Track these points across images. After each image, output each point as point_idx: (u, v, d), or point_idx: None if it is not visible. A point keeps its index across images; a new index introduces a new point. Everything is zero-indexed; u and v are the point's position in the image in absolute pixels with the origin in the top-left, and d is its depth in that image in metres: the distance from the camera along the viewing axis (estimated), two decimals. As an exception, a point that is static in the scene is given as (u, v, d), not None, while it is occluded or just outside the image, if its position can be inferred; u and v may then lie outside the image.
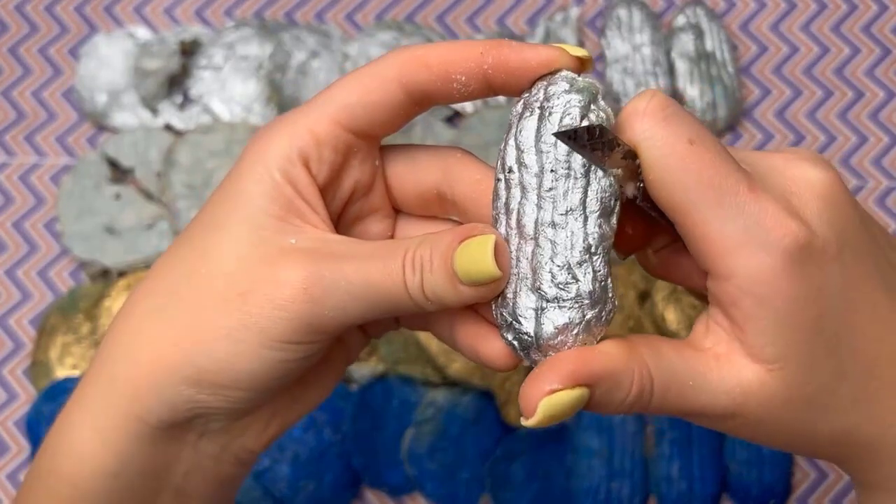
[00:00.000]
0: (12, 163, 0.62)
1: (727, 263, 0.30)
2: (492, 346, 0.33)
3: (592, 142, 0.30)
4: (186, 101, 0.62)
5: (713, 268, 0.30)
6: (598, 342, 0.31)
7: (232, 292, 0.32)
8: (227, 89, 0.62)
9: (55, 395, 0.56)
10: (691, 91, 0.61)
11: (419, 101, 0.33)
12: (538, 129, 0.30)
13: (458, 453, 0.54)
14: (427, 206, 0.35)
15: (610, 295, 0.31)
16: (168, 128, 0.62)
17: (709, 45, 0.62)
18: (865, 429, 0.32)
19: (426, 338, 0.55)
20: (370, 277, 0.31)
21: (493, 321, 0.32)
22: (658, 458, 0.54)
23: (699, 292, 0.34)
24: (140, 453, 0.33)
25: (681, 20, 0.63)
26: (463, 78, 0.32)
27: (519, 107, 0.31)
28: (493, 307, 0.32)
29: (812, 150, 0.33)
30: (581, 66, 0.32)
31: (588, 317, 0.30)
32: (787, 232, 0.30)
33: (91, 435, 0.33)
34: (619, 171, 0.31)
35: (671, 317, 0.55)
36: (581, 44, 0.64)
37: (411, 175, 0.35)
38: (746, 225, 0.30)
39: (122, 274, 0.59)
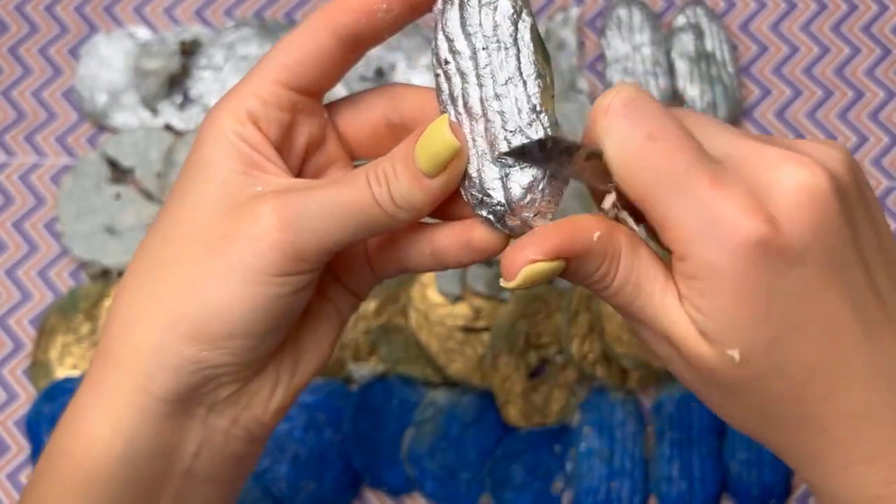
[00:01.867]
0: (12, 163, 0.62)
1: (684, 248, 0.31)
2: (483, 231, 0.34)
3: (546, 153, 0.32)
4: (186, 101, 0.62)
5: (672, 248, 0.32)
6: (562, 192, 0.33)
7: (211, 240, 0.33)
8: (227, 89, 0.62)
9: (55, 395, 0.56)
10: (691, 91, 0.61)
11: (351, 46, 0.34)
12: (461, 16, 0.33)
13: (458, 453, 0.54)
14: (380, 142, 0.36)
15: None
16: (168, 128, 0.62)
17: (709, 45, 0.62)
18: (799, 407, 0.32)
19: (426, 338, 0.55)
20: (339, 197, 0.33)
21: (468, 216, 0.34)
22: (658, 458, 0.54)
23: None
24: (148, 431, 0.34)
25: (681, 20, 0.63)
26: (385, 5, 0.34)
27: (439, 4, 0.34)
28: (463, 192, 0.34)
29: (824, 147, 0.33)
30: None
31: (549, 171, 0.33)
32: (742, 231, 0.30)
33: (100, 416, 0.34)
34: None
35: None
36: (581, 44, 0.64)
37: (358, 114, 0.36)
38: (703, 219, 0.30)
39: (122, 274, 0.59)
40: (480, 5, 0.33)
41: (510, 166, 0.33)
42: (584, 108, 0.61)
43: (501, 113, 0.33)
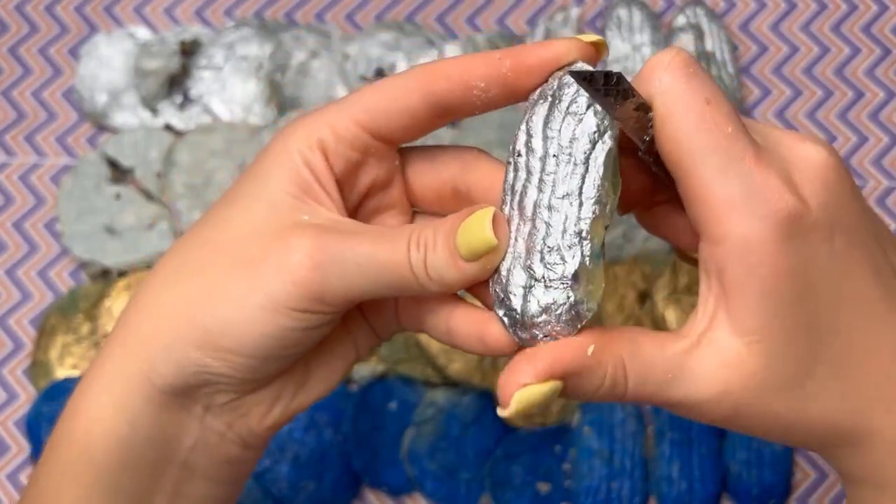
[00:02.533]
0: (12, 163, 0.62)
1: (721, 227, 0.31)
2: (496, 330, 0.33)
3: (607, 87, 0.31)
4: (186, 101, 0.62)
5: (707, 230, 0.31)
6: (581, 326, 0.32)
7: (242, 258, 0.33)
8: (227, 89, 0.62)
9: (55, 395, 0.56)
10: (691, 91, 0.61)
11: (440, 113, 0.34)
12: (547, 116, 0.32)
13: (458, 453, 0.54)
14: (443, 203, 0.36)
15: (597, 281, 0.32)
16: (168, 128, 0.62)
17: (709, 45, 0.62)
18: (844, 417, 0.33)
19: (426, 338, 0.55)
20: (375, 252, 0.32)
21: (491, 305, 0.34)
22: (658, 458, 0.54)
23: (686, 254, 0.35)
24: (148, 417, 0.34)
25: (681, 20, 0.63)
26: (482, 84, 0.33)
27: (535, 94, 0.33)
28: (490, 283, 0.33)
29: (815, 137, 0.34)
30: (596, 51, 0.33)
31: (573, 300, 0.32)
32: (784, 205, 0.30)
33: (103, 398, 0.34)
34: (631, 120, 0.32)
35: (671, 317, 0.55)
36: (581, 44, 0.64)
37: (429, 170, 0.36)
38: (746, 192, 0.30)
39: (122, 274, 0.59)
40: (566, 112, 0.32)
41: (537, 280, 0.32)
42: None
43: (548, 225, 0.32)
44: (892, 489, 0.33)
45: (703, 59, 0.61)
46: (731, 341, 0.31)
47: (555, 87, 0.32)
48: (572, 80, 0.32)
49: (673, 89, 0.31)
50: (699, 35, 0.62)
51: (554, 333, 0.32)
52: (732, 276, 0.31)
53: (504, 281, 0.32)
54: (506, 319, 0.33)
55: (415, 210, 0.37)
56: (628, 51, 0.62)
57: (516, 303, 0.32)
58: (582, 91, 0.32)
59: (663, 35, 0.63)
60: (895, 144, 0.61)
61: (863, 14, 0.64)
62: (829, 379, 0.32)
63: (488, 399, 0.56)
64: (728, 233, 0.31)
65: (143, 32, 0.64)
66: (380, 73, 0.62)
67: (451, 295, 0.34)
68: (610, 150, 0.32)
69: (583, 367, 0.31)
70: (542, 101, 0.32)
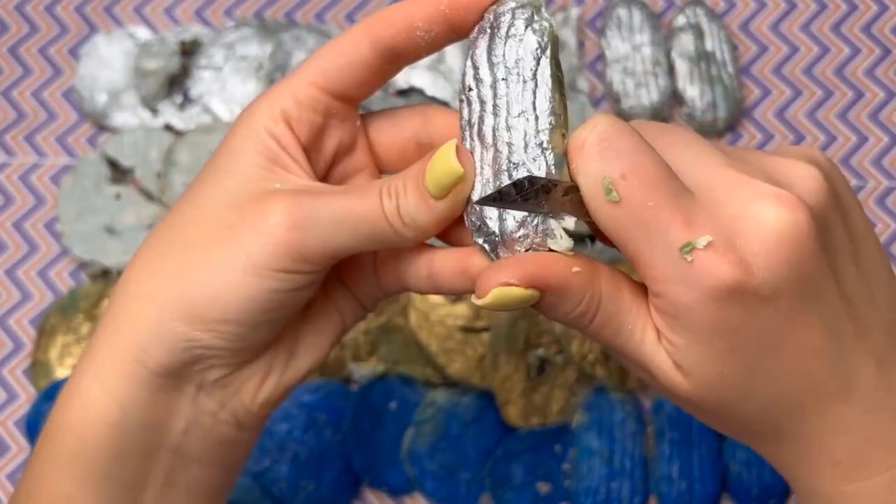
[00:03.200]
0: (12, 163, 0.62)
1: (654, 287, 0.32)
2: (479, 260, 0.34)
3: (522, 193, 0.31)
4: (186, 101, 0.62)
5: (646, 284, 0.32)
6: (559, 234, 0.33)
7: (220, 229, 0.34)
8: (227, 89, 0.62)
9: (55, 395, 0.56)
10: (691, 91, 0.61)
11: (389, 59, 0.35)
12: (489, 46, 0.34)
13: (458, 453, 0.54)
14: (408, 160, 0.37)
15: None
16: (168, 128, 0.62)
17: (709, 45, 0.62)
18: (772, 424, 0.34)
19: (426, 338, 0.55)
20: (350, 206, 0.33)
21: (468, 244, 0.35)
22: (658, 458, 0.54)
23: None
24: (140, 401, 0.35)
25: (681, 20, 0.63)
26: (425, 25, 0.34)
27: (474, 32, 0.34)
28: (465, 217, 0.34)
29: (800, 167, 0.33)
30: None
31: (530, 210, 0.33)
32: (713, 273, 0.30)
33: (95, 385, 0.35)
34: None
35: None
36: (581, 44, 0.64)
37: (391, 128, 0.37)
38: (673, 263, 0.31)
39: (121, 274, 0.59)
40: (507, 37, 0.33)
41: None
42: (584, 108, 0.61)
43: (510, 144, 0.33)
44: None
45: (703, 59, 0.61)
46: (673, 372, 0.33)
47: (491, 19, 0.34)
48: (506, 8, 0.33)
49: (586, 172, 0.31)
50: (699, 35, 0.62)
51: (535, 246, 0.33)
52: (669, 323, 0.32)
53: (478, 209, 0.33)
54: (486, 246, 0.33)
55: (382, 175, 0.38)
56: (628, 51, 0.62)
57: (493, 225, 0.33)
58: (518, 14, 0.33)
59: (663, 35, 0.63)
60: (895, 144, 0.61)
61: (863, 14, 0.64)
62: (760, 410, 0.33)
63: (488, 399, 0.56)
64: (661, 293, 0.31)
65: (143, 32, 0.64)
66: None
67: (424, 245, 0.35)
68: (550, 62, 0.33)
69: (564, 287, 0.32)
70: (481, 34, 0.34)
